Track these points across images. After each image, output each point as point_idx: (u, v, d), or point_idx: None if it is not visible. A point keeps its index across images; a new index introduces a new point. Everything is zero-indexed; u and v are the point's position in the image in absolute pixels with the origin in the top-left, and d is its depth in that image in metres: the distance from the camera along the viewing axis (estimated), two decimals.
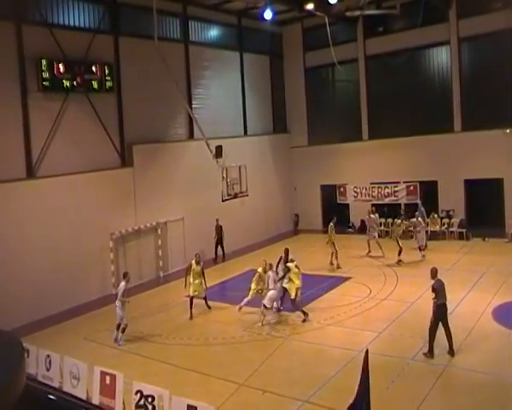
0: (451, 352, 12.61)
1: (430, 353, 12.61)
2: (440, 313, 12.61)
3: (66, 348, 13.18)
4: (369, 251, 23.23)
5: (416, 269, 20.42)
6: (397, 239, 21.87)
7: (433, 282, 12.96)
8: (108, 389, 9.91)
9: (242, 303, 16.66)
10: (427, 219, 25.67)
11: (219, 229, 24.23)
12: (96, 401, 9.97)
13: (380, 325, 14.80)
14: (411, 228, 22.89)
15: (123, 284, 15.16)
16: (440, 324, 12.68)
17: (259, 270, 16.56)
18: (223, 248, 24.44)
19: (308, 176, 30.36)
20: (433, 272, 13.13)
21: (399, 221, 23.24)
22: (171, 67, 21.37)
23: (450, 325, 12.66)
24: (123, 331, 15.05)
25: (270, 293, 15.79)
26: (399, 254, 21.43)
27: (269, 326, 15.61)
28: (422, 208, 25.39)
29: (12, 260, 16.81)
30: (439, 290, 12.65)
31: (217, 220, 24.09)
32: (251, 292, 16.61)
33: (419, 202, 25.79)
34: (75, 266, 18.76)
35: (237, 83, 28.09)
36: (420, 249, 21.83)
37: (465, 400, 10.70)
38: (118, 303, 15.03)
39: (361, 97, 29.10)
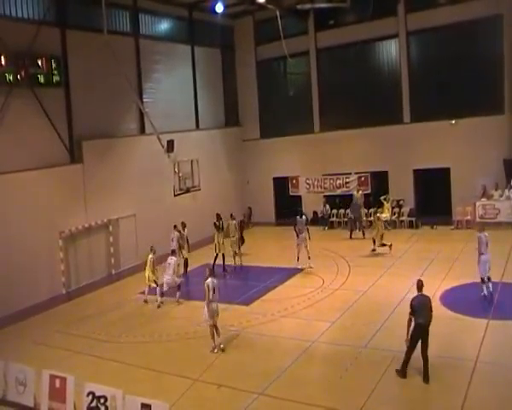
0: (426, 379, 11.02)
1: (402, 373, 11.25)
2: (416, 334, 11.05)
3: (13, 354, 12.83)
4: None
5: (368, 259, 20.92)
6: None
7: (414, 296, 11.45)
8: (58, 393, 9.69)
9: (159, 298, 17.30)
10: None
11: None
12: (44, 406, 9.71)
13: (333, 315, 15.01)
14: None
15: (151, 255, 17.47)
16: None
17: (150, 256, 17.66)
18: None
19: (261, 169, 30.40)
20: (419, 286, 11.47)
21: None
22: (122, 61, 21.05)
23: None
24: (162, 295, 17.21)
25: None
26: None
27: (223, 321, 15.54)
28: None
29: None
30: (417, 308, 11.08)
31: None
32: (152, 280, 17.65)
33: (354, 193, 26.43)
34: (22, 267, 18.09)
35: (189, 76, 27.78)
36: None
37: (417, 383, 10.96)
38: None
39: (312, 90, 29.31)
